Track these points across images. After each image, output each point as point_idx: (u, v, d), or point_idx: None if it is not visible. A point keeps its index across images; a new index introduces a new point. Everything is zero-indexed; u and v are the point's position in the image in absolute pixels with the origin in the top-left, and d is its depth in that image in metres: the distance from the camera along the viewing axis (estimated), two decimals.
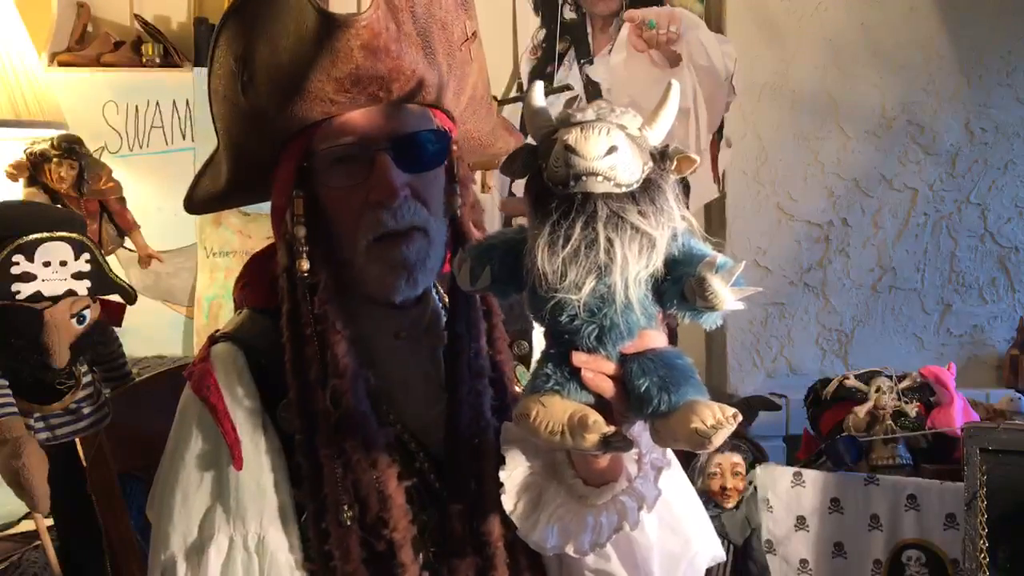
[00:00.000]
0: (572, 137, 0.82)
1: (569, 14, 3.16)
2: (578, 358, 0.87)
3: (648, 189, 0.82)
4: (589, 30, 3.16)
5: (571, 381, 0.88)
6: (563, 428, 0.86)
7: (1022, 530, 1.72)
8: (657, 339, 0.89)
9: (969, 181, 3.27)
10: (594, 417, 0.85)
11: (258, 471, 1.07)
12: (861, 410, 2.23)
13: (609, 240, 0.81)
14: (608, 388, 0.88)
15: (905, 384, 2.25)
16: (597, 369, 0.87)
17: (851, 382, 2.30)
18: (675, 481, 1.07)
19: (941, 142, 3.24)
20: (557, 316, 0.86)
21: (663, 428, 0.86)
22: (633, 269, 0.82)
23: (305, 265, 1.05)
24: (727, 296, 0.80)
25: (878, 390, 2.24)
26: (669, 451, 1.00)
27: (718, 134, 3.13)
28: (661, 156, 0.84)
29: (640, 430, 0.93)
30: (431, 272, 1.08)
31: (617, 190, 0.81)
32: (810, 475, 2.18)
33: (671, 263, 0.85)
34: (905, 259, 3.29)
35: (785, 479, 2.22)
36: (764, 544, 2.25)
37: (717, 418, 0.81)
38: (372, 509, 1.03)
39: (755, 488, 2.26)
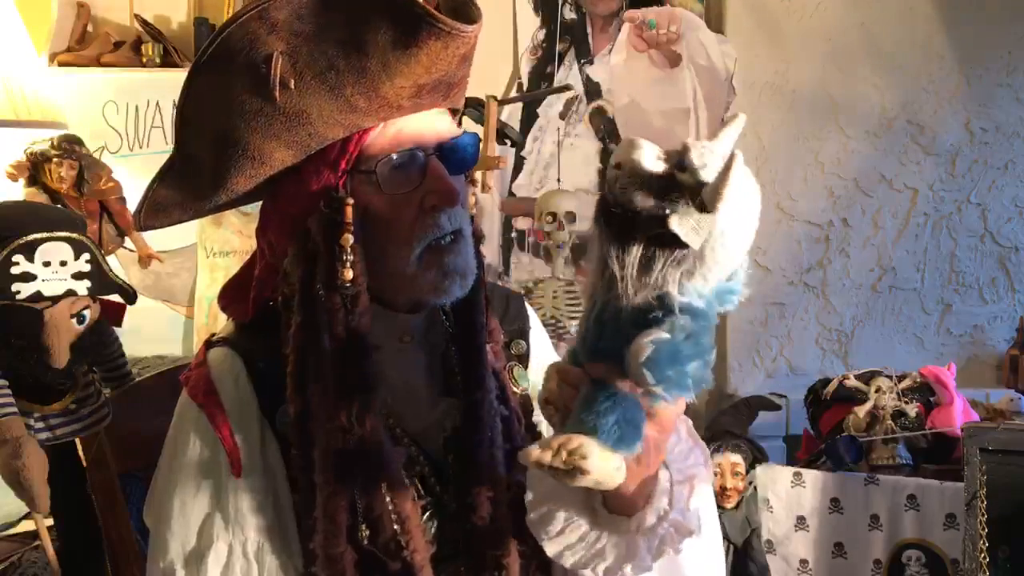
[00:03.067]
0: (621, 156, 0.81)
1: (569, 14, 3.16)
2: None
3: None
4: (589, 30, 3.16)
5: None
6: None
7: (1022, 530, 1.72)
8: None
9: (969, 181, 3.27)
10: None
11: (257, 477, 1.06)
12: (861, 410, 2.23)
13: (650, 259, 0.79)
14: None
15: (905, 384, 2.25)
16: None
17: (851, 382, 2.30)
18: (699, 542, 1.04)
19: (941, 142, 3.24)
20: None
21: None
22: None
23: (349, 274, 1.01)
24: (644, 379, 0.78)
25: (878, 390, 2.25)
26: (699, 515, 0.97)
27: None
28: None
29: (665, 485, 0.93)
30: (475, 273, 1.08)
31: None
32: (810, 475, 2.18)
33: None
34: (905, 259, 3.30)
35: (785, 479, 2.22)
36: (764, 544, 2.25)
37: (556, 445, 0.80)
38: (386, 531, 1.01)
39: (755, 488, 2.26)
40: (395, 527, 1.02)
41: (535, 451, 0.81)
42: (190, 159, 1.03)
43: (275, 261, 1.08)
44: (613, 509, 0.95)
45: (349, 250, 1.01)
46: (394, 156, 1.02)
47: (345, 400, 1.00)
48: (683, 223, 0.77)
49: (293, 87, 0.95)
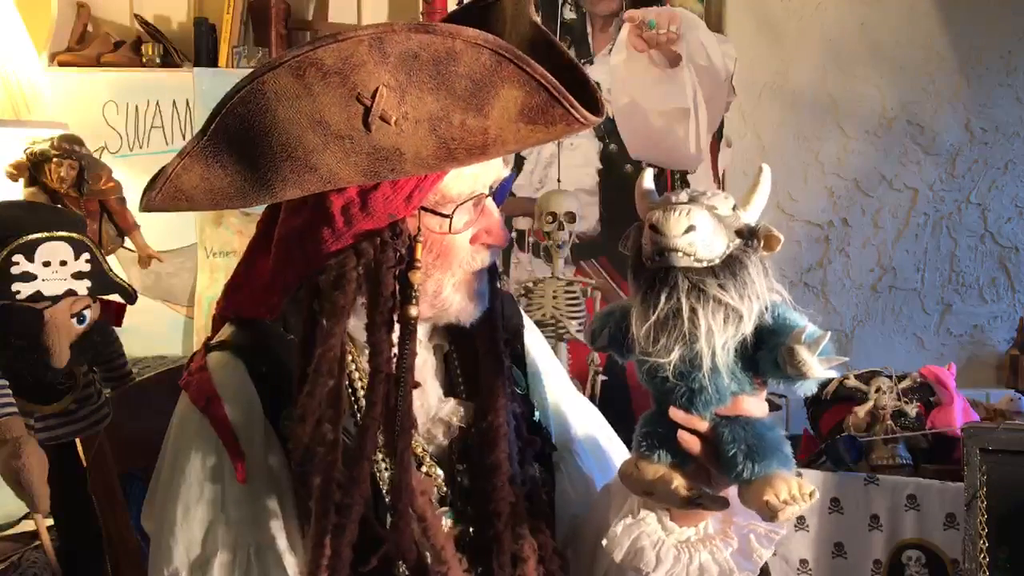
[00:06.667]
0: (656, 217, 0.91)
1: (569, 14, 3.16)
2: (675, 413, 0.96)
3: (729, 264, 0.90)
4: (589, 30, 3.16)
5: (660, 448, 0.98)
6: (651, 488, 0.98)
7: (1022, 530, 1.72)
8: (752, 406, 0.96)
9: (969, 181, 3.28)
10: (676, 481, 0.96)
11: (261, 482, 1.05)
12: (861, 410, 2.23)
13: (692, 310, 0.90)
14: (695, 447, 0.95)
15: (905, 384, 2.25)
16: (690, 426, 0.95)
17: (851, 382, 2.29)
18: None
19: (941, 142, 3.24)
20: (653, 378, 0.96)
21: (745, 494, 0.94)
22: (718, 338, 0.90)
23: (414, 312, 1.00)
24: (815, 365, 0.88)
25: (878, 390, 2.24)
26: (765, 553, 1.05)
27: (718, 134, 3.13)
28: (748, 234, 0.92)
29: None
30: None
31: (698, 264, 0.90)
32: (810, 475, 2.18)
33: (766, 333, 0.92)
34: (905, 259, 3.30)
35: None
36: None
37: (792, 494, 0.89)
38: (414, 557, 1.02)
39: None
40: (429, 557, 1.02)
41: (787, 510, 0.90)
42: (228, 152, 0.95)
43: (308, 271, 1.03)
44: (681, 523, 1.04)
45: (417, 288, 1.01)
46: (473, 199, 1.04)
47: (387, 436, 1.00)
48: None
49: (393, 124, 0.92)
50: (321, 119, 0.91)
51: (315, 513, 0.97)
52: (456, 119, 0.93)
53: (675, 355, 0.92)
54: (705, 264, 0.90)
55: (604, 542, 1.06)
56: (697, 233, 0.89)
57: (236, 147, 0.95)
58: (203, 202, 0.99)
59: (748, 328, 0.91)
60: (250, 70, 0.93)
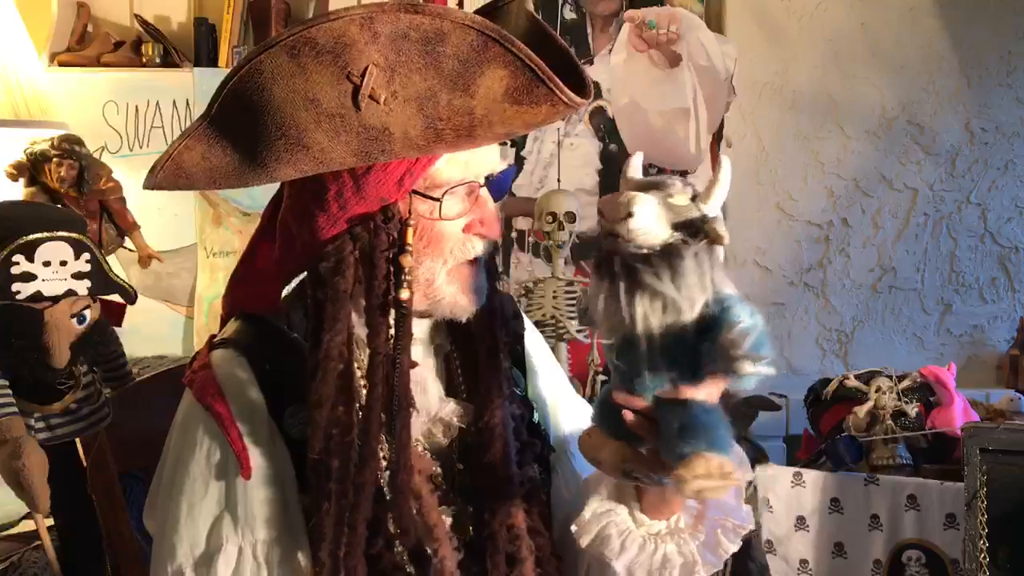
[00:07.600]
0: (602, 201, 0.93)
1: (569, 14, 3.16)
2: (617, 395, 0.98)
3: (666, 253, 0.91)
4: (589, 30, 3.16)
5: (607, 417, 1.00)
6: (597, 456, 1.01)
7: (1022, 530, 1.72)
8: (692, 392, 0.95)
9: (969, 181, 3.28)
10: (614, 453, 1.00)
11: (266, 479, 1.05)
12: (861, 410, 2.23)
13: (629, 293, 0.91)
14: (637, 427, 0.97)
15: (905, 384, 2.25)
16: (630, 406, 0.97)
17: (851, 382, 2.29)
18: None
19: (941, 142, 3.25)
20: (609, 354, 0.99)
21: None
22: (653, 322, 0.91)
23: (406, 295, 1.02)
24: (742, 361, 0.89)
25: (878, 390, 2.24)
26: (748, 512, 1.09)
27: (718, 134, 3.13)
28: (697, 226, 0.93)
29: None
30: (486, 288, 1.11)
31: (636, 250, 0.91)
32: (810, 475, 2.18)
33: (713, 325, 0.92)
34: (905, 259, 3.30)
35: (785, 479, 2.21)
36: (764, 544, 2.25)
37: (708, 470, 0.89)
38: (411, 539, 1.03)
39: (755, 488, 2.26)
40: (420, 535, 1.03)
41: (694, 483, 0.90)
42: (228, 132, 0.98)
43: (307, 258, 1.05)
44: (652, 516, 1.06)
45: (408, 271, 1.02)
46: (464, 185, 1.04)
47: (387, 416, 1.01)
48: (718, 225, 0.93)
49: (382, 103, 0.93)
50: (313, 97, 0.93)
51: (334, 494, 0.99)
52: (443, 99, 0.94)
53: (616, 336, 0.95)
54: (645, 251, 0.91)
55: (573, 528, 1.06)
56: (635, 220, 0.90)
57: (235, 126, 0.97)
58: (201, 180, 1.01)
59: (687, 317, 0.91)
60: None
